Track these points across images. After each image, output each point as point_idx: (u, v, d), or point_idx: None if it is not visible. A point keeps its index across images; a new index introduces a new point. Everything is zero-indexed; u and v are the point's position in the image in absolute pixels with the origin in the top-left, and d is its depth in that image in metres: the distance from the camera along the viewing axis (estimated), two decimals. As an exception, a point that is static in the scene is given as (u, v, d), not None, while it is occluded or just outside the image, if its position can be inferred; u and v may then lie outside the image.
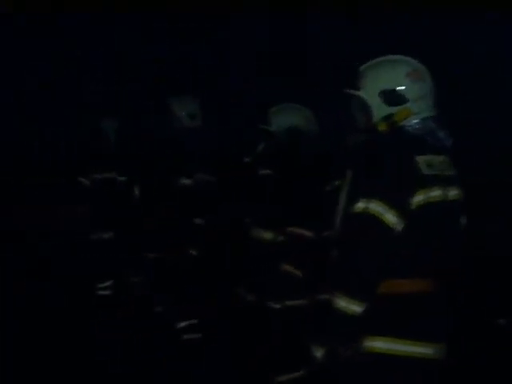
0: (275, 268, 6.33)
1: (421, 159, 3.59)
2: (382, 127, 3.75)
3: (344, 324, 3.54)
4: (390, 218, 3.47)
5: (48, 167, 12.84)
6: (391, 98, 3.72)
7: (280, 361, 6.38)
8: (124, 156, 9.43)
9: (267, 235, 6.40)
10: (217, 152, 8.10)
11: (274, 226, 6.36)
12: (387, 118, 3.72)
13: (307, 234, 6.23)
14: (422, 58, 3.83)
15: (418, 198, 3.53)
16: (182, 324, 7.84)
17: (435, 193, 3.58)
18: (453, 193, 3.68)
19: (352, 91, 3.85)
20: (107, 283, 9.60)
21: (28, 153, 13.80)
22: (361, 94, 3.80)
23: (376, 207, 3.47)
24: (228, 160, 8.04)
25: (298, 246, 6.27)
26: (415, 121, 3.74)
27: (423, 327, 3.59)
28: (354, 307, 3.48)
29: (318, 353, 3.71)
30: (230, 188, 7.65)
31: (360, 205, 3.52)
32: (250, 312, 6.76)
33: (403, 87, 3.72)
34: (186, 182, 7.75)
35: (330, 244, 3.89)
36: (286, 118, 6.56)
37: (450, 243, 3.69)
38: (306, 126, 6.53)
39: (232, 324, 7.84)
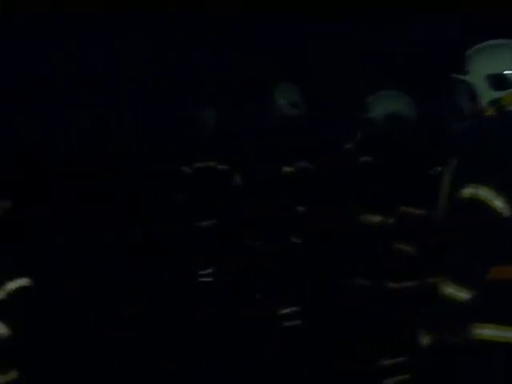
0: (388, 249, 6.30)
1: None
2: (489, 112, 3.70)
3: (451, 311, 3.51)
4: (499, 203, 3.43)
5: (151, 157, 12.94)
6: (498, 82, 3.66)
7: (386, 346, 6.34)
8: (224, 144, 9.50)
9: (376, 218, 6.38)
10: (317, 140, 8.08)
11: (380, 210, 6.34)
12: (494, 102, 3.66)
13: (419, 212, 6.20)
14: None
15: None
16: (284, 311, 7.86)
17: None
18: None
19: (458, 76, 3.80)
20: (208, 270, 9.71)
21: (129, 141, 13.83)
22: (467, 78, 3.75)
23: (485, 193, 3.43)
24: (328, 148, 8.01)
25: (411, 225, 6.24)
26: (524, 105, 3.67)
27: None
28: (462, 294, 3.45)
29: (425, 339, 3.68)
30: (331, 175, 7.64)
31: (468, 190, 3.48)
32: (358, 297, 6.71)
33: (510, 71, 3.66)
34: (288, 169, 7.77)
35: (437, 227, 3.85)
36: (386, 105, 6.52)
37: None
38: (406, 112, 6.47)
39: (335, 311, 7.82)
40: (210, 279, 9.67)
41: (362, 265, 6.63)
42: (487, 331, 3.51)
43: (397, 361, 6.29)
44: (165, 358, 7.21)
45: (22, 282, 4.07)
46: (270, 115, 8.01)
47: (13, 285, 4.03)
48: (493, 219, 3.41)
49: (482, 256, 3.42)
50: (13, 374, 4.05)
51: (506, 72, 3.66)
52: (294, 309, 7.88)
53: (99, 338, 7.65)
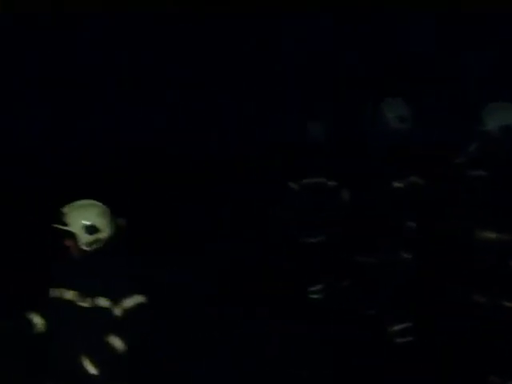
0: (504, 266, 6.14)
1: None
2: None
3: None
4: None
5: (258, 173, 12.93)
6: None
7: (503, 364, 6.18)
8: (333, 159, 9.44)
9: (491, 234, 6.23)
10: (427, 153, 7.96)
11: (494, 225, 6.18)
12: None
13: None
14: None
15: None
16: (396, 327, 7.75)
17: None
18: None
19: None
20: (318, 287, 9.65)
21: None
22: None
23: None
24: (438, 161, 7.88)
25: None
26: None
27: None
28: None
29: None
30: (442, 190, 7.50)
31: None
32: (477, 314, 6.56)
33: None
34: (398, 184, 7.67)
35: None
36: (500, 117, 6.35)
37: None
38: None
39: (449, 327, 7.65)
40: (320, 296, 9.61)
41: (477, 281, 6.48)
42: None
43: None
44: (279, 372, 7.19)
45: (138, 299, 4.21)
46: (378, 129, 7.94)
47: (129, 302, 4.18)
48: None
49: None
50: None
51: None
52: (406, 325, 7.76)
53: (213, 356, 7.66)
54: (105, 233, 4.43)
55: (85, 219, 4.39)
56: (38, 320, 4.41)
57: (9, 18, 13.48)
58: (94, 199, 4.61)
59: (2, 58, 13.50)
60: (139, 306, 4.23)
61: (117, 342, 4.11)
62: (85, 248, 4.38)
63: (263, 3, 13.57)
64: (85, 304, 4.29)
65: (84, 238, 4.38)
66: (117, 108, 14.07)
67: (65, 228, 4.36)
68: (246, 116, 14.01)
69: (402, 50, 13.32)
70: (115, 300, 4.24)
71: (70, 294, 4.34)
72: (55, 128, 13.88)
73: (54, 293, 4.42)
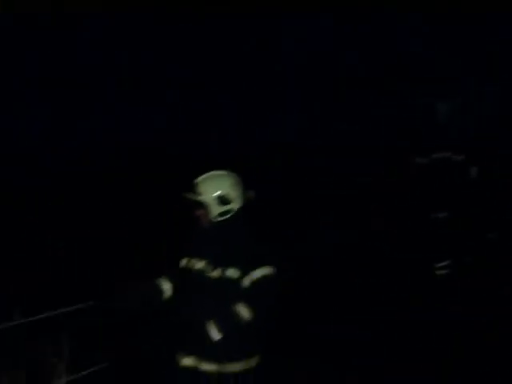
0: None
1: None
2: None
3: None
4: None
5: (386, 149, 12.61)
6: None
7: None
8: (461, 134, 9.54)
9: None
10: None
11: None
12: None
13: None
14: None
15: None
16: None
17: None
18: None
19: None
20: (445, 263, 9.65)
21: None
22: None
23: None
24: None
25: None
26: None
27: None
28: None
29: None
30: None
31: None
32: None
33: None
34: None
35: None
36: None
37: None
38: None
39: None
40: (446, 271, 9.61)
41: None
42: None
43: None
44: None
45: (265, 270, 4.30)
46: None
47: (257, 273, 4.28)
48: None
49: None
50: (254, 360, 4.36)
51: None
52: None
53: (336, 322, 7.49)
54: (236, 204, 4.48)
55: (217, 190, 4.48)
56: (167, 287, 4.52)
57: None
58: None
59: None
60: (266, 277, 4.27)
61: (243, 312, 4.20)
62: (216, 218, 4.43)
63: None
64: (213, 274, 4.34)
65: (215, 209, 4.44)
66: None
67: (197, 197, 4.43)
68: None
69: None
70: (243, 271, 4.29)
71: (199, 264, 4.41)
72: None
73: (184, 262, 4.51)
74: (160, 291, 4.49)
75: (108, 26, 14.06)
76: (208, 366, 4.35)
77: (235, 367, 4.34)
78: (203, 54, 14.08)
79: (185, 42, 14.13)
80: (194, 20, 14.02)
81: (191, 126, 13.86)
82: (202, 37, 14.00)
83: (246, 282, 4.27)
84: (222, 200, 4.44)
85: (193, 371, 4.36)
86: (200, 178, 4.47)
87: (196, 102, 13.86)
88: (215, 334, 4.18)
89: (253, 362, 4.39)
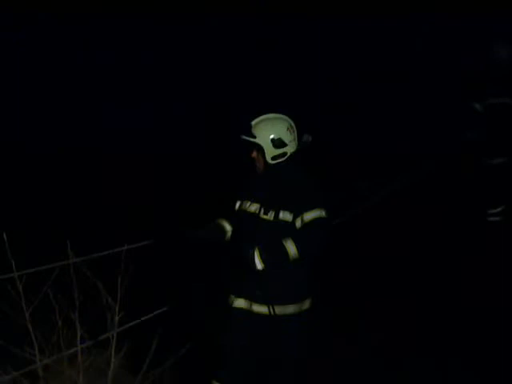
0: None
1: None
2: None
3: None
4: None
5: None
6: None
7: None
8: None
9: None
10: None
11: None
12: None
13: None
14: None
15: None
16: None
17: None
18: None
19: None
20: (499, 209, 9.55)
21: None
22: None
23: None
24: None
25: None
26: None
27: None
28: None
29: None
30: None
31: None
32: None
33: None
34: None
35: None
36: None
37: None
38: None
39: None
40: (499, 218, 9.51)
41: None
42: None
43: None
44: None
45: (317, 213, 4.31)
46: None
47: (310, 215, 4.29)
48: None
49: None
50: (306, 304, 4.44)
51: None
52: None
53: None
54: (290, 147, 4.48)
55: (272, 132, 4.45)
56: (229, 228, 4.60)
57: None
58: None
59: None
60: (318, 219, 4.30)
61: (291, 248, 4.23)
62: (270, 161, 4.45)
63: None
64: (266, 216, 4.38)
65: (270, 151, 4.45)
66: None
67: (252, 140, 4.45)
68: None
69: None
70: (296, 213, 4.34)
71: (253, 206, 4.47)
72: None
73: (238, 204, 4.59)
74: (224, 230, 4.60)
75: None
76: (259, 308, 4.35)
77: (286, 310, 4.34)
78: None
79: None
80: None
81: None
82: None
83: (298, 223, 4.32)
84: (277, 143, 4.43)
85: (245, 313, 4.36)
86: (255, 121, 4.50)
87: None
88: (258, 264, 4.23)
89: (304, 306, 4.40)
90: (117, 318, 4.15)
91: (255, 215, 4.46)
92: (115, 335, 4.14)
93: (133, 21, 14.19)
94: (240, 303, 4.48)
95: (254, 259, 4.25)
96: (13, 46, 13.84)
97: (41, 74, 14.20)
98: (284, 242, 4.24)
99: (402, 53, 13.60)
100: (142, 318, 5.34)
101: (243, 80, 13.87)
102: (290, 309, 4.40)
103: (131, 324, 4.88)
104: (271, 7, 13.83)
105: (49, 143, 13.51)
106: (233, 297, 4.51)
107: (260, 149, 4.48)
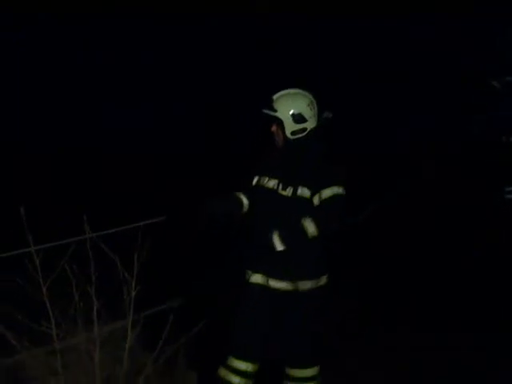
0: None
1: None
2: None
3: None
4: None
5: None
6: None
7: None
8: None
9: None
10: None
11: None
12: None
13: None
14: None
15: None
16: None
17: None
18: None
19: None
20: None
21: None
22: None
23: None
24: None
25: None
26: None
27: None
28: None
29: None
30: None
31: None
32: None
33: None
34: None
35: None
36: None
37: None
38: None
39: None
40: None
41: None
42: None
43: None
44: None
45: (336, 190, 4.27)
46: None
47: (328, 192, 4.26)
48: None
49: None
50: (323, 280, 4.37)
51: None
52: None
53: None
54: (310, 123, 4.41)
55: (293, 107, 4.40)
56: (246, 202, 4.56)
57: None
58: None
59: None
60: (336, 196, 4.27)
61: (310, 226, 4.20)
62: (289, 136, 4.40)
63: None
64: (284, 192, 4.35)
65: (290, 126, 4.40)
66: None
67: (272, 113, 4.40)
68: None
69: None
70: (314, 189, 4.30)
71: (271, 182, 4.43)
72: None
73: (256, 179, 4.54)
74: (241, 204, 4.55)
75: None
76: (276, 284, 4.33)
77: (304, 285, 4.31)
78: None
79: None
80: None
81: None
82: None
83: (316, 200, 4.28)
84: (297, 118, 4.37)
85: (261, 288, 4.34)
86: (276, 95, 4.44)
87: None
88: (278, 245, 4.21)
89: (321, 281, 4.37)
90: (133, 293, 4.09)
91: (273, 191, 4.42)
92: (131, 309, 4.09)
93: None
94: (257, 278, 4.41)
95: (273, 241, 4.22)
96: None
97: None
98: (303, 221, 4.22)
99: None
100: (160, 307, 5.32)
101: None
102: (308, 284, 4.36)
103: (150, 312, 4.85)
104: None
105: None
106: (249, 272, 4.43)
107: (280, 123, 4.41)
